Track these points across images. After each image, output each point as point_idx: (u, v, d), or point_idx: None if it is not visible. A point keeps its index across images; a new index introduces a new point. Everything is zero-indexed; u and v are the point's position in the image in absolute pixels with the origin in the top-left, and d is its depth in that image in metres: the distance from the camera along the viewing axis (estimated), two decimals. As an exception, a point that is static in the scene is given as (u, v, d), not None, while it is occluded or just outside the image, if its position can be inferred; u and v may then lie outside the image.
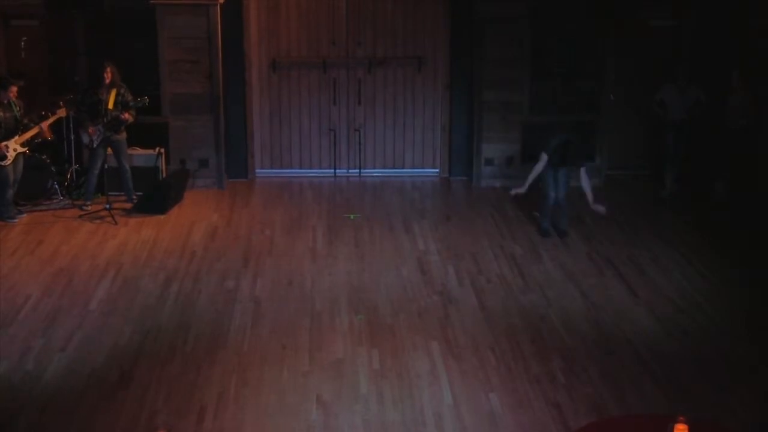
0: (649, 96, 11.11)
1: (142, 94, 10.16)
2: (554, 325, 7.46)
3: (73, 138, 10.68)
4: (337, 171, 11.98)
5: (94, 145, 10.14)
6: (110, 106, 10.08)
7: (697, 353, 7.00)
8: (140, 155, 10.84)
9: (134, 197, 10.51)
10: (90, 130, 10.09)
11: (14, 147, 9.77)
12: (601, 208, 9.45)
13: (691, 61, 11.17)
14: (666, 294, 8.12)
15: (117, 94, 10.15)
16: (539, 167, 9.53)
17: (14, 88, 9.74)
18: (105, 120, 10.05)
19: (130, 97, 10.18)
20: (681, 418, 4.56)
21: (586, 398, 6.26)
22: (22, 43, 9.73)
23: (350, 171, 12.01)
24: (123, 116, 10.11)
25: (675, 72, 10.92)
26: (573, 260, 8.90)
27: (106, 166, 10.33)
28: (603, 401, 6.23)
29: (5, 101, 9.72)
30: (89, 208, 10.19)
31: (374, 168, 12.02)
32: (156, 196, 10.30)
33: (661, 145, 11.16)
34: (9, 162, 9.74)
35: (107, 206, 9.96)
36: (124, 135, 10.35)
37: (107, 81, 10.11)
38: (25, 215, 10.02)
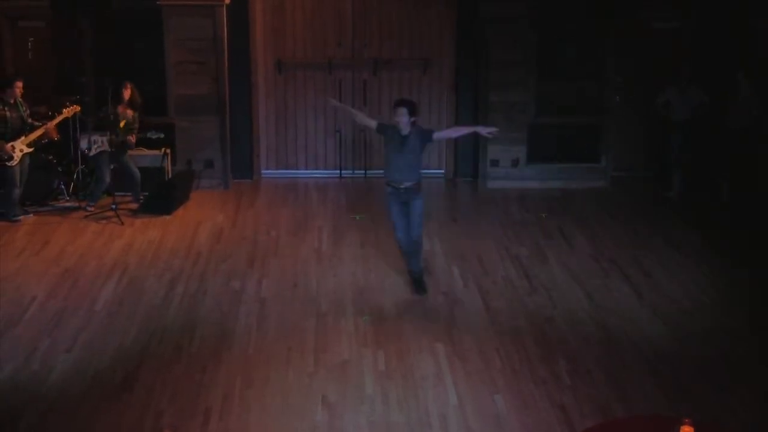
0: (652, 97, 11.10)
1: (157, 132, 10.45)
2: (559, 326, 7.45)
3: (79, 138, 10.70)
4: (343, 172, 11.98)
5: (91, 153, 10.15)
6: (121, 125, 10.06)
7: (702, 354, 6.98)
8: (146, 156, 10.86)
9: (140, 197, 10.52)
10: (100, 137, 10.09)
11: (21, 147, 9.80)
12: (489, 130, 8.21)
13: (692, 61, 11.15)
14: (670, 295, 8.11)
15: (133, 120, 10.17)
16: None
17: (20, 84, 9.74)
18: (114, 138, 10.03)
19: (136, 125, 10.19)
20: (686, 420, 4.55)
21: (591, 400, 6.26)
22: (29, 44, 9.75)
23: (356, 172, 12.01)
24: (129, 138, 10.12)
25: (677, 73, 10.91)
26: (578, 262, 8.89)
27: (112, 167, 10.33)
28: (608, 403, 6.22)
29: (11, 101, 9.73)
30: (92, 209, 10.21)
31: (380, 169, 12.00)
32: (162, 196, 10.32)
33: (665, 147, 11.16)
34: (15, 162, 9.76)
35: (113, 206, 9.98)
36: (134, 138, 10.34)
37: (125, 99, 10.09)
38: (31, 215, 10.05)
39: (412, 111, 7.71)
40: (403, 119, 7.68)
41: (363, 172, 11.99)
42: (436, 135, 7.97)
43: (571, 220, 10.15)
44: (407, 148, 7.75)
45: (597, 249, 9.26)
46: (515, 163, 11.49)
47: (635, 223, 10.10)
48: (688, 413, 5.04)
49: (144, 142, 10.69)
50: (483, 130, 8.26)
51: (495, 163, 11.49)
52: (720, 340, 7.23)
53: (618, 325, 7.49)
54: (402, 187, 7.86)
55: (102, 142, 10.11)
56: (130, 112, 10.14)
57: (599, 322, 7.55)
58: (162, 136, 10.34)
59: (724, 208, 10.60)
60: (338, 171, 11.98)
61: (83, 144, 10.30)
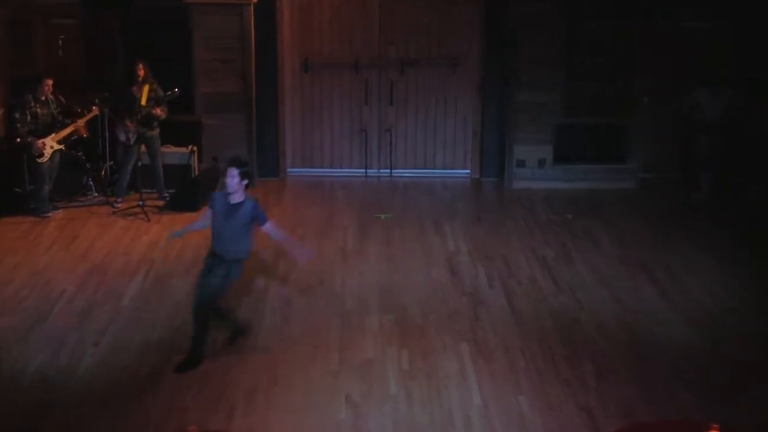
0: (682, 98, 11.01)
1: (172, 89, 10.24)
2: (585, 328, 7.40)
3: (108, 135, 10.78)
4: (368, 171, 11.99)
5: (131, 142, 10.23)
6: (143, 102, 10.17)
7: (730, 358, 6.91)
8: (173, 153, 10.92)
9: (165, 195, 10.59)
10: (129, 124, 10.14)
11: (51, 144, 9.89)
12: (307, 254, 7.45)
13: (726, 62, 11.05)
14: (699, 298, 8.03)
15: (149, 90, 10.24)
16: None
17: (50, 81, 9.84)
18: (139, 116, 10.13)
19: (161, 93, 10.27)
20: (715, 425, 4.50)
21: (617, 402, 6.21)
22: (60, 42, 9.85)
23: (381, 171, 12.01)
24: (155, 111, 10.20)
25: (709, 74, 10.81)
26: (605, 263, 8.83)
27: (139, 164, 10.40)
28: (634, 406, 6.17)
29: (42, 98, 9.83)
30: (120, 205, 10.29)
31: (405, 168, 12.02)
32: (188, 193, 10.37)
33: (695, 149, 11.05)
34: (46, 159, 9.86)
35: (140, 203, 10.05)
36: (157, 131, 10.43)
37: (140, 77, 10.20)
38: (60, 211, 10.14)
39: (244, 174, 6.62)
40: (232, 181, 6.56)
41: (388, 171, 11.98)
42: (268, 225, 6.82)
43: (597, 222, 10.08)
44: (235, 216, 6.65)
45: (624, 251, 9.19)
46: (542, 163, 11.44)
47: (663, 225, 10.02)
48: (715, 418, 4.99)
49: (171, 139, 10.75)
50: (300, 255, 7.28)
51: (521, 163, 11.44)
52: (749, 344, 7.15)
53: (645, 327, 7.43)
54: (225, 258, 6.71)
55: (135, 127, 10.19)
56: (146, 88, 10.20)
57: (626, 324, 7.50)
58: (177, 91, 10.20)
59: (753, 211, 10.48)
60: (363, 170, 11.99)
61: (122, 137, 10.35)
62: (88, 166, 10.66)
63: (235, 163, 6.65)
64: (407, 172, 11.99)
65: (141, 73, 10.20)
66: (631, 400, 6.25)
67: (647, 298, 8.04)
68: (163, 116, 10.30)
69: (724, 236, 9.66)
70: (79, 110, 10.30)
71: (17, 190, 10.12)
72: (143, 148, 10.42)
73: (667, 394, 6.36)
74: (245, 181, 6.66)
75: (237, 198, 6.66)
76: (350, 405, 6.16)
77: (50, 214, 9.99)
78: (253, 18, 11.07)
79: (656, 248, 9.27)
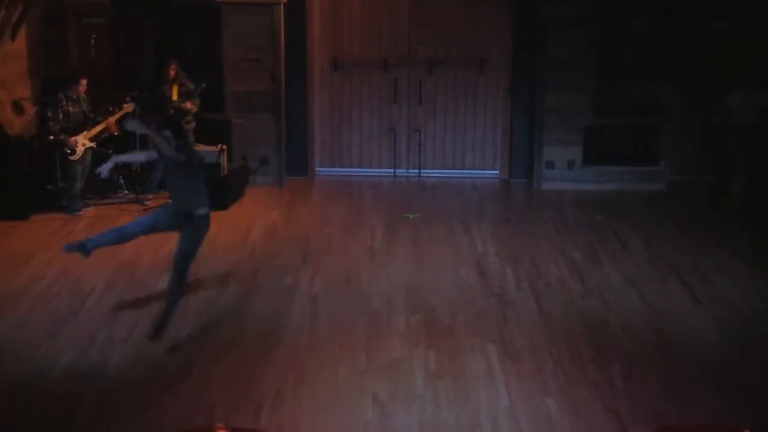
0: (714, 100, 10.89)
1: (200, 83, 10.33)
2: (614, 330, 7.35)
3: (138, 133, 10.85)
4: (397, 171, 11.99)
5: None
6: (174, 97, 10.28)
7: (761, 362, 6.84)
8: (202, 152, 10.96)
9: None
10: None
11: (83, 142, 9.99)
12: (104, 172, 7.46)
13: (758, 64, 10.92)
14: (729, 302, 7.95)
15: (180, 86, 10.35)
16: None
17: (84, 81, 9.96)
18: (171, 112, 10.23)
19: (191, 86, 10.36)
20: (745, 429, 4.46)
21: (645, 405, 6.16)
22: (92, 41, 9.97)
23: (410, 171, 12.01)
24: (185, 105, 10.30)
25: (741, 76, 10.69)
26: (634, 266, 8.76)
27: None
28: (663, 409, 6.12)
29: (75, 96, 9.94)
30: (150, 202, 10.37)
31: (434, 168, 12.00)
32: (217, 192, 10.41)
33: (725, 151, 10.94)
34: (78, 156, 9.96)
35: (170, 200, 10.11)
36: (192, 125, 10.51)
37: (171, 77, 10.30)
38: (91, 208, 10.24)
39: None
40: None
41: (417, 171, 11.98)
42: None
43: (627, 224, 10.01)
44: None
45: (654, 253, 9.12)
46: (571, 164, 11.38)
47: (693, 227, 9.93)
48: (745, 421, 4.94)
49: (201, 138, 10.82)
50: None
51: (550, 164, 11.39)
52: (781, 349, 7.08)
53: (675, 330, 7.37)
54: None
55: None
56: (176, 85, 10.31)
57: (655, 326, 7.43)
58: (204, 85, 10.37)
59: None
60: (392, 170, 11.99)
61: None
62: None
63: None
64: (436, 172, 11.98)
65: (173, 73, 10.32)
66: (659, 403, 6.20)
67: (676, 301, 7.97)
68: (195, 109, 10.42)
69: (754, 239, 9.55)
70: (110, 108, 10.39)
71: (49, 187, 10.22)
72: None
73: (696, 396, 6.31)
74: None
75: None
76: (377, 405, 6.16)
77: (82, 211, 10.09)
78: (283, 17, 11.11)
79: (686, 250, 9.19)
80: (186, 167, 7.03)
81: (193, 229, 7.10)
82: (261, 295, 8.02)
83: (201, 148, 10.91)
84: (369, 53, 11.70)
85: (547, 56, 11.14)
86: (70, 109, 9.90)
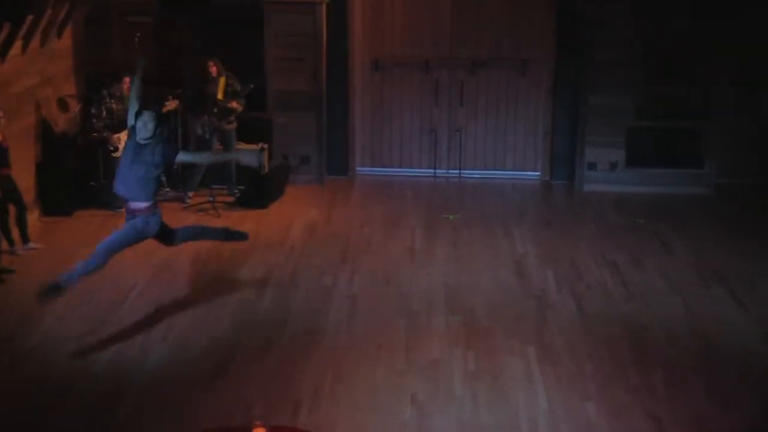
0: (763, 100, 10.69)
1: (247, 83, 10.38)
2: (656, 335, 7.25)
3: (180, 131, 10.94)
4: (437, 171, 11.95)
5: (207, 136, 10.38)
6: (220, 96, 10.34)
7: (808, 371, 6.71)
8: (243, 151, 11.03)
9: (235, 191, 10.72)
10: (206, 118, 10.33)
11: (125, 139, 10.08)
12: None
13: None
14: (775, 307, 7.81)
15: (226, 84, 10.40)
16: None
17: (127, 79, 10.05)
18: (215, 110, 10.29)
19: (238, 86, 10.42)
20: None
21: (687, 411, 6.07)
22: (136, 39, 10.06)
23: (450, 172, 11.96)
24: (231, 104, 10.35)
25: None
26: (677, 270, 8.63)
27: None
28: (704, 414, 6.02)
29: (118, 94, 10.04)
30: (190, 200, 10.44)
31: (474, 169, 11.94)
32: (258, 190, 10.47)
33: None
34: (120, 153, 10.05)
35: (211, 198, 10.19)
36: (233, 126, 10.57)
37: (213, 75, 10.36)
38: (133, 206, 10.32)
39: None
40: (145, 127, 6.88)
41: (457, 171, 11.92)
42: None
43: (670, 227, 9.86)
44: (140, 158, 6.90)
45: (698, 257, 8.97)
46: (613, 166, 11.25)
47: (740, 232, 9.75)
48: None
49: (242, 137, 10.87)
50: None
51: (592, 166, 11.27)
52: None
53: (719, 336, 7.25)
54: (130, 209, 7.09)
55: (212, 121, 10.34)
56: (222, 81, 10.37)
57: (699, 332, 7.31)
58: (251, 86, 10.44)
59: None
60: (432, 170, 11.95)
61: (198, 131, 10.52)
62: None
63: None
64: (476, 173, 11.91)
65: (213, 70, 10.39)
66: (702, 409, 6.10)
67: (720, 306, 7.84)
68: (240, 109, 10.47)
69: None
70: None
71: (92, 184, 10.34)
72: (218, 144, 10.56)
73: (739, 403, 6.19)
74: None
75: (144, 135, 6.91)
76: (415, 405, 6.14)
77: (123, 208, 10.17)
78: (325, 16, 11.13)
79: (731, 255, 9.02)
80: (150, 157, 6.97)
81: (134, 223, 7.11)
82: (299, 294, 8.03)
83: (242, 146, 11.01)
84: (410, 54, 11.67)
85: (589, 57, 11.02)
86: (114, 106, 10.01)
